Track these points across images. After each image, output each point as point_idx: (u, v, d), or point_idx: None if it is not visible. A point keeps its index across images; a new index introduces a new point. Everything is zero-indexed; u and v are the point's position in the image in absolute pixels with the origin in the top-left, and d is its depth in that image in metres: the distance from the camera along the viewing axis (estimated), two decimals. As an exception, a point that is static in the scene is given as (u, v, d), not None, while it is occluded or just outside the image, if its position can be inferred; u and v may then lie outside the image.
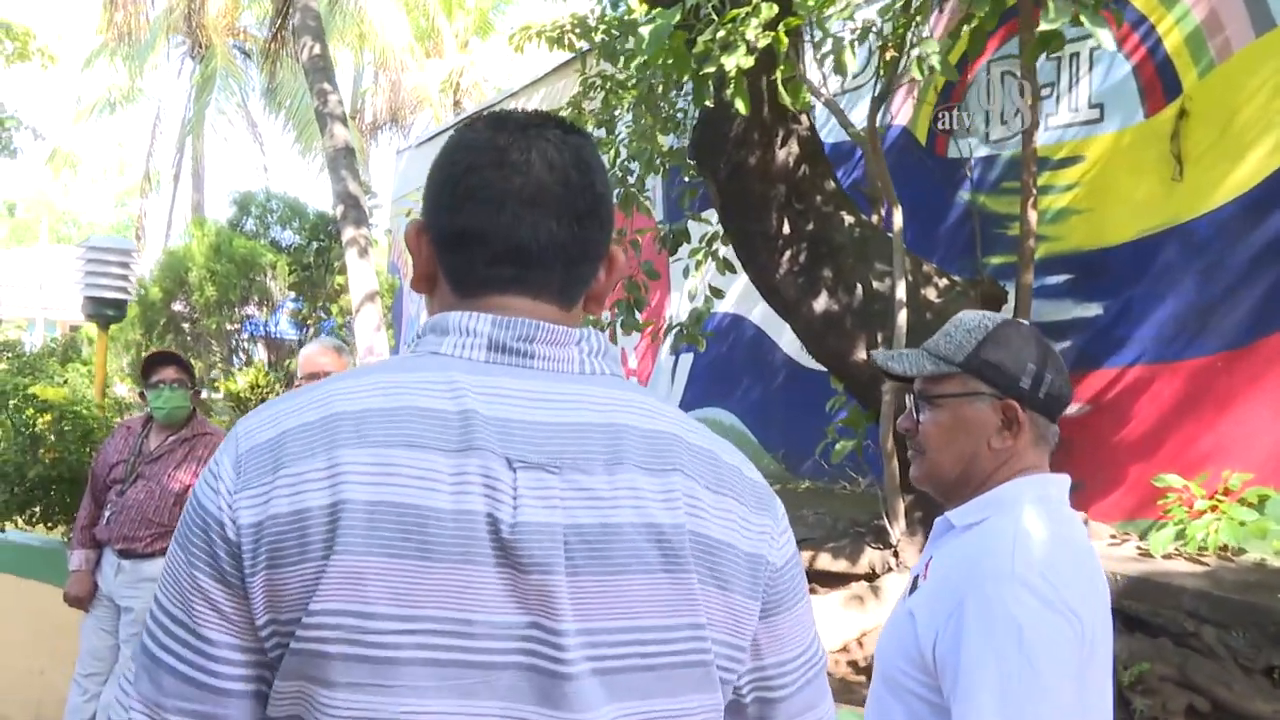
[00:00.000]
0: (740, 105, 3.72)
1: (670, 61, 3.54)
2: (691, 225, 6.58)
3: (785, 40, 3.41)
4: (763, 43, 3.50)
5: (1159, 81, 5.21)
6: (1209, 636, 4.15)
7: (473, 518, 0.79)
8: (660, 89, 7.62)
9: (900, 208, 4.85)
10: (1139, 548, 4.98)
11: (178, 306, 11.44)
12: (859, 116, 6.44)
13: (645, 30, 3.44)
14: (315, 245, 10.10)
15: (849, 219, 5.15)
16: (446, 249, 0.95)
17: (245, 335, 12.30)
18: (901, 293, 4.84)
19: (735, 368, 8.23)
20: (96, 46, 17.49)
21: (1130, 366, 5.31)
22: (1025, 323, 1.50)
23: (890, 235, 5.17)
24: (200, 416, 4.38)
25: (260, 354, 12.24)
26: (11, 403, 4.96)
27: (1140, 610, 4.41)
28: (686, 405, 8.45)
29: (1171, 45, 5.14)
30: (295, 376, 3.83)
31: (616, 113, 7.75)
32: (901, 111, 6.84)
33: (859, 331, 5.09)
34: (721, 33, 3.54)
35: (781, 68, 3.56)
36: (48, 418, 4.98)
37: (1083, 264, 5.54)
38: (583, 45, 7.94)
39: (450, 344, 0.89)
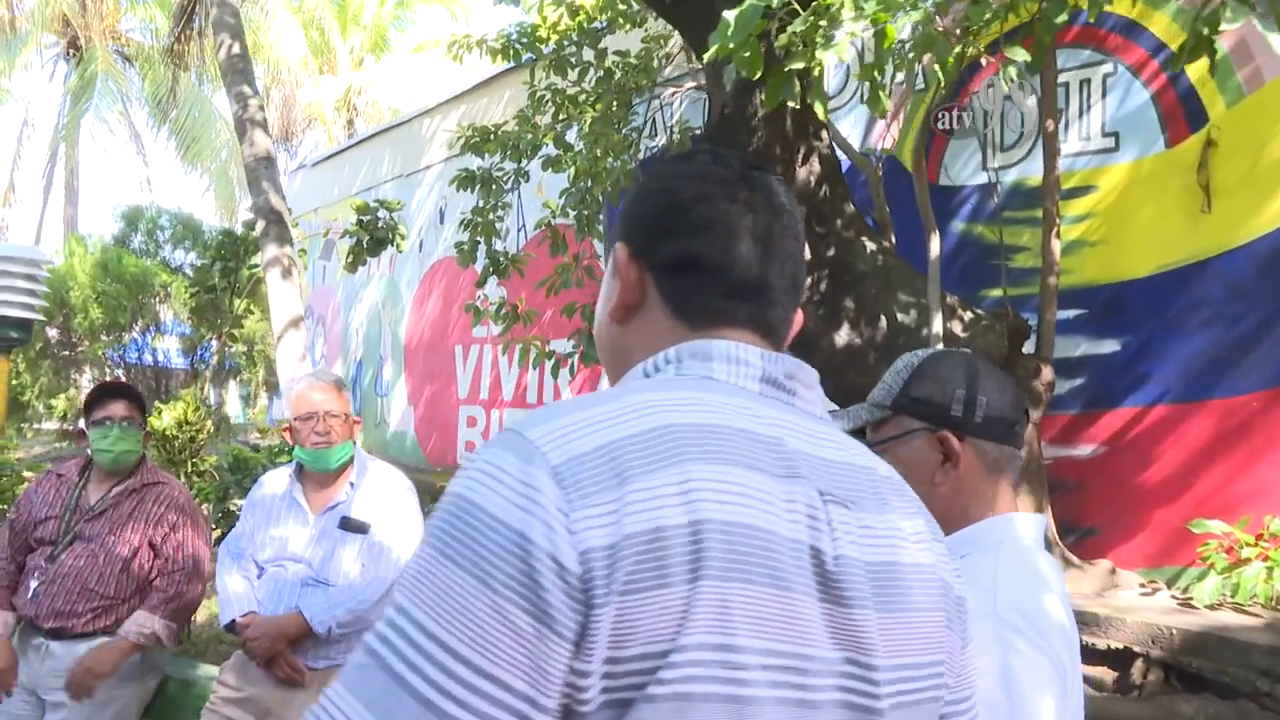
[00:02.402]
0: (819, 110, 3.28)
1: (746, 55, 3.07)
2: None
3: (893, 34, 2.99)
4: (853, 37, 3.07)
5: (1181, 110, 5.03)
6: (1286, 697, 3.88)
7: (801, 548, 0.75)
8: (614, 106, 7.21)
9: (938, 235, 4.49)
10: (1175, 597, 4.72)
11: (52, 331, 10.26)
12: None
13: (730, 15, 2.96)
14: (221, 266, 9.18)
15: (870, 245, 4.76)
16: (671, 275, 0.92)
17: (116, 362, 11.12)
18: (938, 326, 4.48)
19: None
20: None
21: (1152, 406, 5.07)
22: (961, 351, 1.47)
23: (902, 262, 4.85)
24: (150, 464, 3.62)
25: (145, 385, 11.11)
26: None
27: (1204, 668, 4.11)
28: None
29: (1195, 74, 4.96)
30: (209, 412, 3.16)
31: (575, 128, 7.25)
32: (885, 137, 6.56)
33: (883, 367, 4.67)
34: (804, 26, 3.10)
35: (875, 70, 3.13)
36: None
37: (1097, 298, 5.31)
38: (528, 57, 7.45)
39: (723, 371, 0.86)
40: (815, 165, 4.68)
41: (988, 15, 3.30)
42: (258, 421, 14.46)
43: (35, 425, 10.88)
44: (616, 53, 6.96)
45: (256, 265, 9.15)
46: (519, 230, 9.83)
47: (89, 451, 3.48)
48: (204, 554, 3.53)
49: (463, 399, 10.60)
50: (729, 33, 2.98)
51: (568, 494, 0.69)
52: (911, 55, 3.32)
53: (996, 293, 5.65)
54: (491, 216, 7.42)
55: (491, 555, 0.68)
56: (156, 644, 3.31)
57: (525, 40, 7.40)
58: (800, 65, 3.12)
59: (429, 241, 11.22)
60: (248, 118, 7.64)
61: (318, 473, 3.10)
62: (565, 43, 7.21)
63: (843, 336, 4.65)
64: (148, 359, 10.88)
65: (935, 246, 4.48)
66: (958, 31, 3.66)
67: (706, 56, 3.13)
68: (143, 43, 15.45)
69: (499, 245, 7.46)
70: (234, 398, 13.87)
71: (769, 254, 0.91)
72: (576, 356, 6.41)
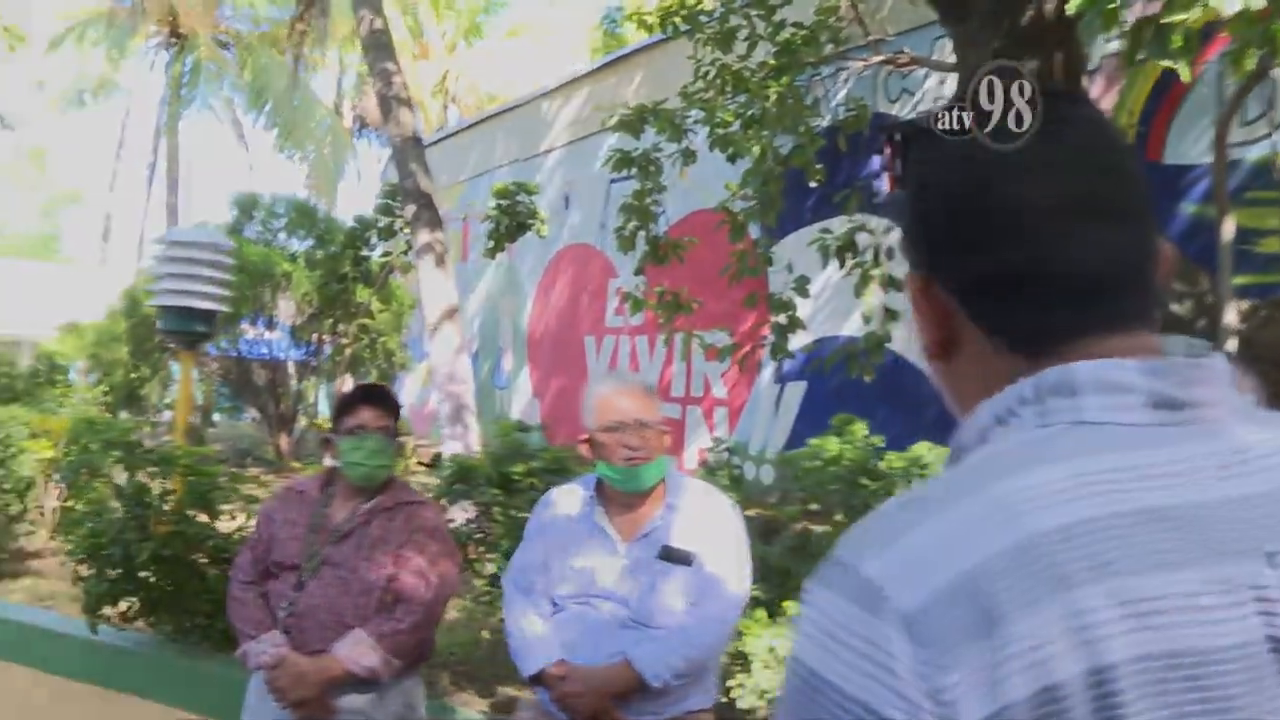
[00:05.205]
0: (1183, 71, 2.82)
1: (1111, 7, 2.62)
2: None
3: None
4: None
5: None
6: None
7: (1252, 650, 0.57)
8: (785, 81, 6.74)
9: (1232, 220, 4.01)
10: None
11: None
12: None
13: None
14: (352, 254, 8.89)
15: (1141, 229, 4.29)
16: (980, 299, 0.73)
17: (227, 354, 10.87)
18: (1230, 317, 4.00)
19: (868, 400, 7.24)
20: (61, 30, 15.82)
21: None
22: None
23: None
24: (401, 480, 3.22)
25: (260, 378, 10.91)
26: (112, 453, 3.71)
27: None
28: (797, 440, 7.48)
29: None
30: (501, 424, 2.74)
31: (732, 105, 6.81)
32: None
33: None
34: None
35: (1274, 20, 2.66)
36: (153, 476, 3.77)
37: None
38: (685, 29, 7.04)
39: (1098, 407, 0.65)
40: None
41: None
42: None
43: (153, 420, 10.75)
44: (794, 24, 6.51)
45: (389, 253, 8.87)
46: (660, 214, 9.46)
47: (335, 463, 3.08)
48: (454, 586, 3.12)
49: (592, 392, 10.26)
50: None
51: (927, 652, 0.57)
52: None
53: (1245, 280, 5.13)
54: (648, 200, 7.04)
55: None
56: (369, 678, 2.87)
57: (684, 12, 6.98)
58: (1183, 17, 2.67)
59: (553, 227, 10.89)
60: (392, 95, 7.32)
61: (626, 494, 2.69)
62: (730, 14, 6.77)
63: (1116, 331, 4.19)
64: (262, 351, 10.66)
65: (1229, 230, 3.99)
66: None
67: (1071, 7, 2.68)
68: (239, 29, 15.37)
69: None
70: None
71: (1099, 221, 0.70)
72: (766, 349, 6.03)
